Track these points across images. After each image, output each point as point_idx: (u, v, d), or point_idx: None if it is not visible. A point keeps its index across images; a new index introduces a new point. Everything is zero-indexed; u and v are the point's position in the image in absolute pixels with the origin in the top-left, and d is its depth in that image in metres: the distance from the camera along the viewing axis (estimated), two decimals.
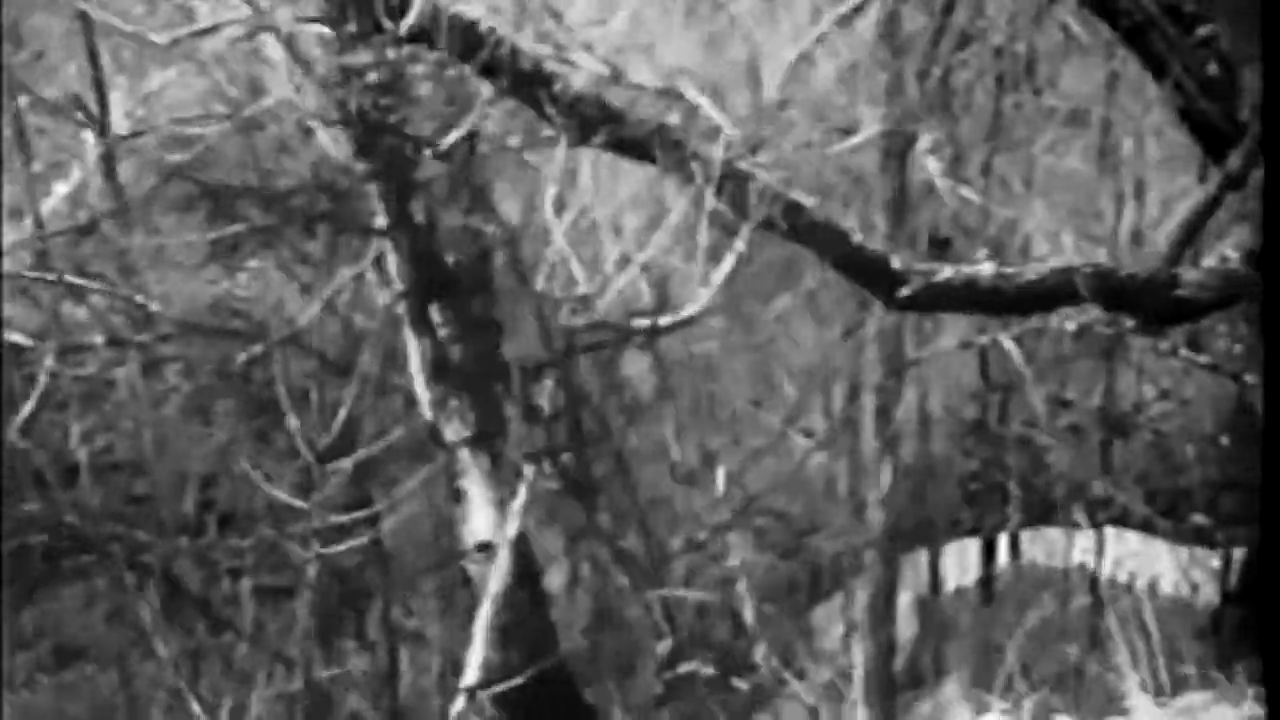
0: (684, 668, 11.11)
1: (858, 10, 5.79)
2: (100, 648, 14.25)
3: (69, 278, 11.97)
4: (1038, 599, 20.75)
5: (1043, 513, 22.19)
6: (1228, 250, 7.11)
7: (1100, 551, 20.40)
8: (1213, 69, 8.15)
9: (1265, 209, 7.58)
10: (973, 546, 20.39)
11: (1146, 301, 6.22)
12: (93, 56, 14.00)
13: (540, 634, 9.86)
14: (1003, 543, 19.69)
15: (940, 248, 22.64)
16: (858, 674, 15.88)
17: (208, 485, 14.48)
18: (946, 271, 5.86)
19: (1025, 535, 21.19)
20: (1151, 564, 21.20)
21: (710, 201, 5.27)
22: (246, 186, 12.86)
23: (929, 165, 10.63)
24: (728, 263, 5.25)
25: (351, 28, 5.99)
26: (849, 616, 19.33)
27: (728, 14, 12.13)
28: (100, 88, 13.99)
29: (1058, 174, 19.32)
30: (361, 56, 6.08)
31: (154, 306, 12.66)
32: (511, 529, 7.40)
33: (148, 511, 13.62)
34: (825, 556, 20.73)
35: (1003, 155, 18.62)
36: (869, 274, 5.92)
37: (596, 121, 5.33)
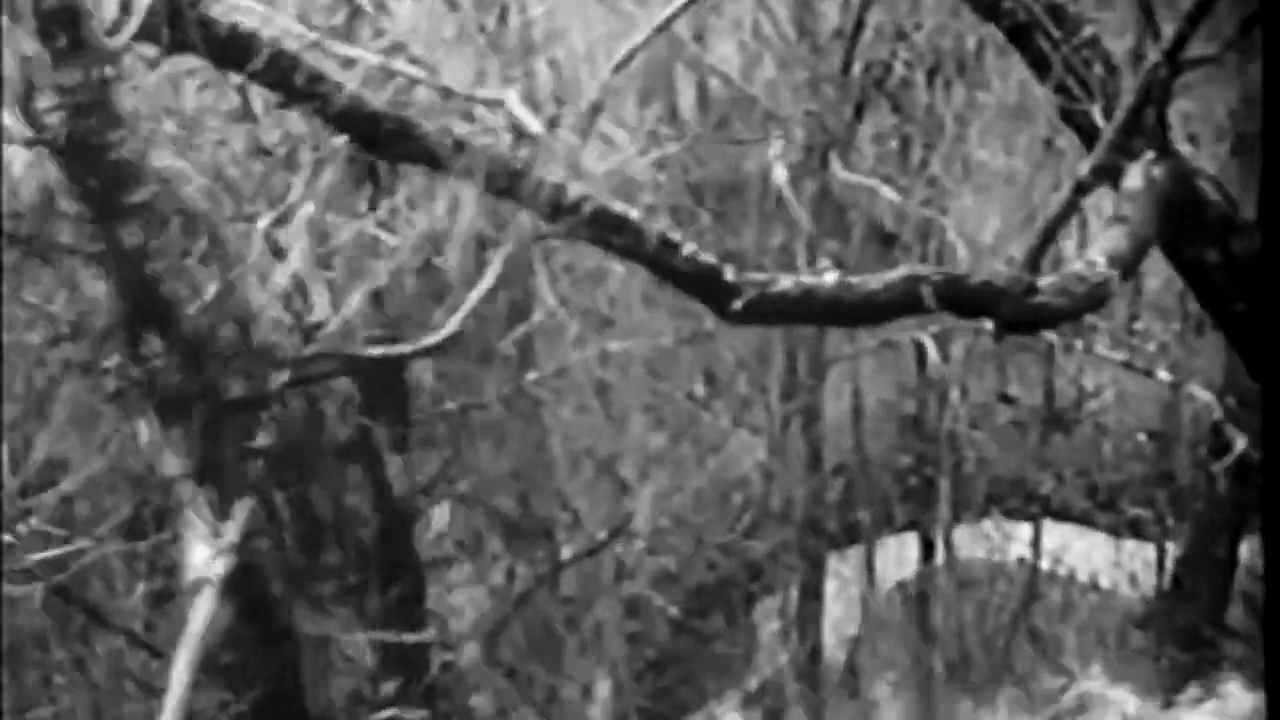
0: (387, 713, 10.75)
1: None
2: None
3: None
4: (976, 594, 20.83)
5: (982, 507, 22.25)
6: (1095, 254, 7.08)
7: (1038, 545, 20.45)
8: (1097, 70, 8.14)
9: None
10: (911, 542, 20.39)
11: (1003, 309, 6.17)
12: None
13: (271, 674, 9.54)
14: (941, 538, 19.69)
15: (886, 244, 22.71)
16: (787, 672, 15.93)
17: None
18: (784, 282, 5.78)
19: (963, 530, 21.21)
20: (1090, 557, 21.27)
21: (471, 218, 5.13)
22: None
23: (776, 171, 10.58)
24: (484, 282, 5.08)
25: (61, 43, 5.80)
26: (786, 615, 19.40)
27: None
28: None
29: (993, 170, 19.34)
30: (69, 75, 5.89)
31: None
32: (221, 565, 7.19)
33: None
34: (761, 556, 20.72)
35: (939, 151, 18.62)
36: (700, 286, 5.83)
37: (381, 132, 5.15)
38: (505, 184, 5.19)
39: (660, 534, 21.94)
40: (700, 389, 21.81)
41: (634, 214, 5.57)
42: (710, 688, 20.83)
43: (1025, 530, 20.92)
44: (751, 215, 20.70)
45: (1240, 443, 12.64)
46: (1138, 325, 18.28)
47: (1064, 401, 23.15)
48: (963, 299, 6.06)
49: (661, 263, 5.69)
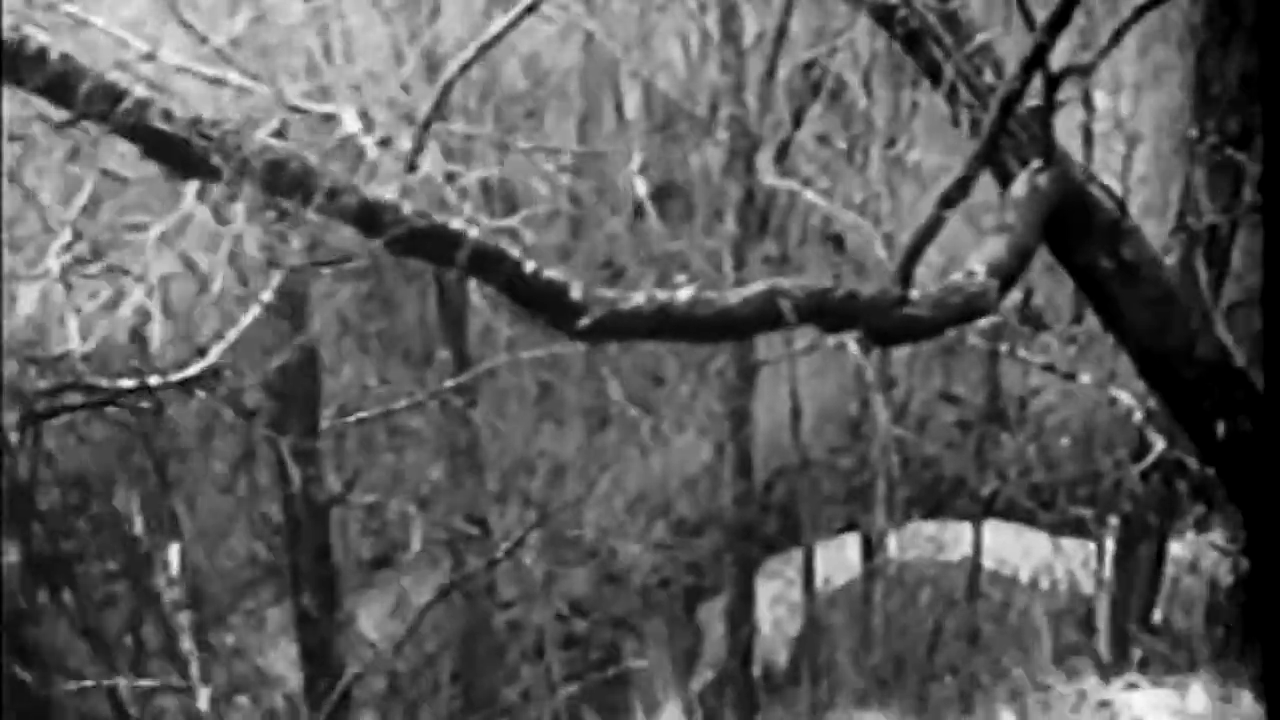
0: None
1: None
2: None
3: None
4: (918, 594, 20.88)
5: (925, 507, 22.30)
6: (975, 264, 7.07)
7: (979, 545, 20.48)
8: (988, 77, 8.14)
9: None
10: (853, 543, 20.42)
11: (871, 321, 6.15)
12: None
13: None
14: (878, 540, 19.72)
15: (836, 245, 22.74)
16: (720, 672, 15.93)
17: None
18: (636, 298, 5.72)
19: (907, 530, 21.25)
20: (1033, 557, 21.32)
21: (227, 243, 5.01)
22: None
23: (635, 185, 10.53)
24: (250, 314, 4.99)
25: None
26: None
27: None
28: None
29: (928, 170, 19.38)
30: None
31: None
32: None
33: None
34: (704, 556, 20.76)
35: (875, 153, 18.63)
36: (544, 304, 5.76)
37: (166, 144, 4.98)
38: (325, 200, 5.11)
39: (604, 536, 21.93)
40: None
41: (473, 231, 5.50)
42: (654, 689, 20.84)
43: (969, 530, 20.97)
44: (697, 216, 20.74)
45: (1159, 445, 12.67)
46: (1079, 328, 18.32)
47: (1008, 400, 23.23)
48: (827, 312, 6.03)
49: (502, 280, 5.63)
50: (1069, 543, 20.77)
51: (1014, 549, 21.29)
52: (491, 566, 14.12)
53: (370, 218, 5.26)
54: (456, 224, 5.47)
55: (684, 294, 5.64)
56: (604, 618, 21.08)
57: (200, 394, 9.51)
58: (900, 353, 23.50)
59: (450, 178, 5.88)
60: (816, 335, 16.49)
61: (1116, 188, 22.49)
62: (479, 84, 16.17)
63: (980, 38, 8.07)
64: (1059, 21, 5.92)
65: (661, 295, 5.67)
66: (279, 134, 5.09)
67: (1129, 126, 19.65)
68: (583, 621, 20.39)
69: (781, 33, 13.22)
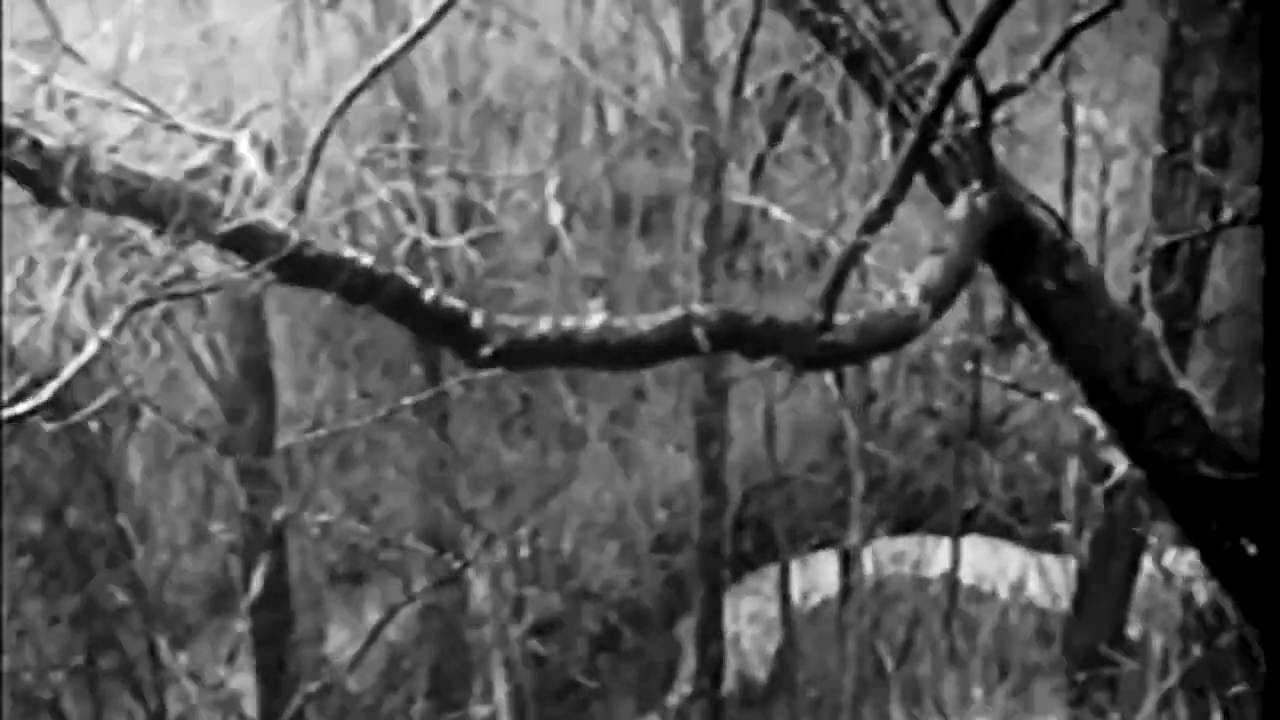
0: None
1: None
2: None
3: None
4: (898, 610, 20.82)
5: (904, 523, 22.26)
6: (908, 288, 7.04)
7: (957, 561, 20.44)
8: (931, 97, 8.12)
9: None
10: (832, 559, 20.38)
11: (792, 348, 6.10)
12: None
13: None
14: (856, 555, 19.68)
15: (812, 264, 22.74)
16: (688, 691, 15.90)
17: None
18: (542, 326, 5.65)
19: (886, 546, 21.22)
20: (1013, 572, 21.28)
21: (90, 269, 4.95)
22: None
23: (551, 210, 10.51)
24: (88, 349, 4.92)
25: None
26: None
27: None
28: None
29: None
30: None
31: None
32: None
33: None
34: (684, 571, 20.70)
35: (850, 170, 18.60)
36: (444, 333, 5.69)
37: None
38: (196, 227, 5.05)
39: (581, 549, 21.90)
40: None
41: (365, 259, 5.45)
42: (632, 705, 20.80)
43: (948, 545, 20.92)
44: (677, 231, 20.72)
45: (1121, 466, 12.60)
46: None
47: (989, 416, 23.21)
48: (745, 339, 5.98)
49: (399, 309, 5.57)
50: (1049, 559, 20.75)
51: (992, 564, 21.26)
52: (439, 586, 14.04)
53: (250, 245, 5.21)
54: (348, 251, 5.42)
55: (593, 321, 5.57)
56: (578, 634, 21.03)
57: (150, 414, 9.49)
58: (881, 366, 23.53)
59: (348, 204, 5.84)
60: None
61: (1094, 202, 22.61)
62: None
63: (922, 58, 8.04)
64: (975, 46, 5.89)
65: (568, 323, 5.61)
66: (152, 157, 5.05)
67: (1107, 141, 19.66)
68: (555, 639, 20.35)
69: (746, 49, 13.19)
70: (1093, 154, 22.08)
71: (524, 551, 20.36)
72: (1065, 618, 18.69)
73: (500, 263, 19.67)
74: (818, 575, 20.59)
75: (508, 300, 17.45)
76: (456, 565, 14.52)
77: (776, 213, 13.36)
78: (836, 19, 8.29)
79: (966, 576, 21.09)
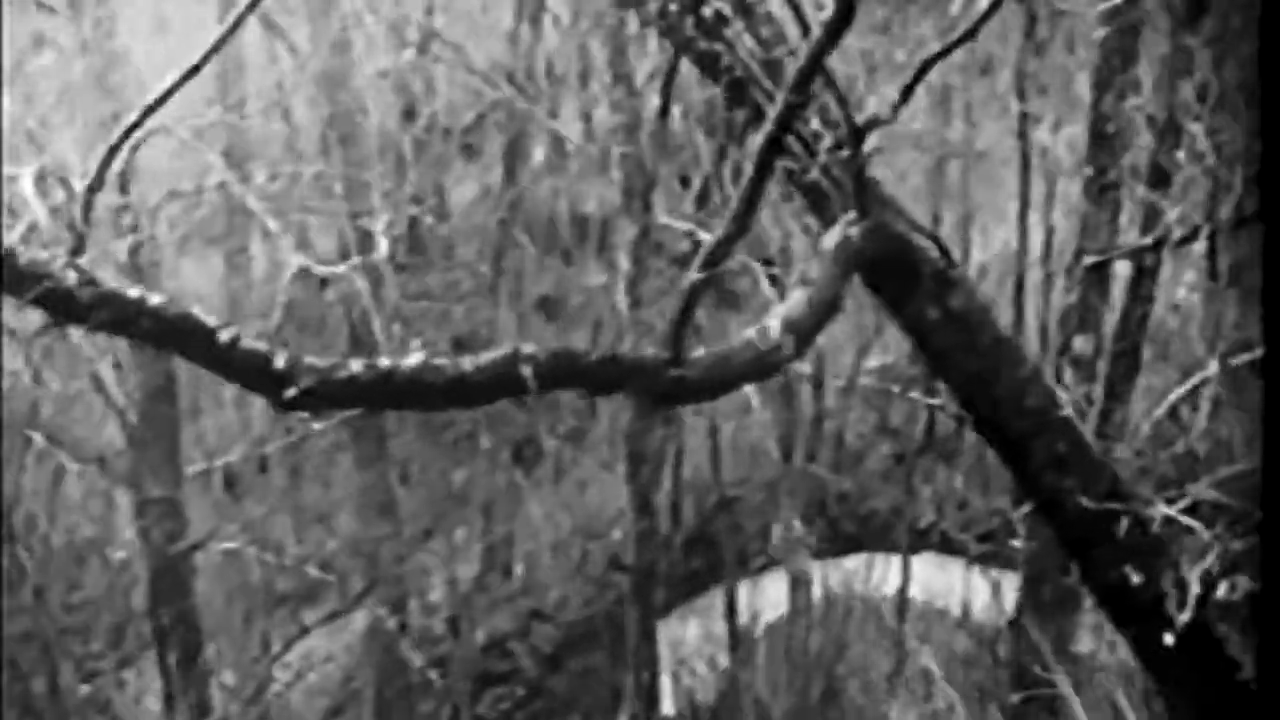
0: None
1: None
2: None
3: None
4: (848, 629, 20.74)
5: (856, 542, 22.20)
6: (771, 320, 6.99)
7: (906, 579, 20.40)
8: (814, 125, 8.07)
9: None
10: (781, 579, 20.30)
11: (638, 384, 6.02)
12: None
13: None
14: (806, 575, 19.60)
15: (769, 264, 22.64)
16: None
17: None
18: (353, 366, 5.53)
19: (838, 565, 21.15)
20: (964, 591, 21.20)
21: None
22: None
23: (379, 244, 10.43)
24: None
25: None
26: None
27: None
28: None
29: None
30: None
31: None
32: None
33: None
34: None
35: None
36: (247, 375, 5.57)
37: None
38: None
39: (532, 572, 21.81)
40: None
41: (154, 299, 5.32)
42: None
43: (899, 563, 20.86)
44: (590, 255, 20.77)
45: None
46: None
47: (945, 431, 23.18)
48: (582, 377, 5.89)
49: (196, 351, 5.46)
50: (1009, 577, 20.68)
51: (943, 582, 21.20)
52: (330, 619, 13.89)
53: (17, 283, 5.09)
54: (134, 291, 5.28)
55: (411, 361, 5.46)
56: (531, 654, 20.94)
57: (40, 440, 9.43)
58: (837, 384, 23.47)
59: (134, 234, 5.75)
60: None
61: (1041, 221, 22.51)
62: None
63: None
64: (805, 79, 5.83)
65: (384, 363, 5.50)
66: None
67: (1049, 160, 19.67)
68: (506, 659, 20.27)
69: (672, 71, 13.13)
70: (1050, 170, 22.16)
71: (471, 572, 20.31)
72: (1004, 637, 18.62)
73: (446, 284, 19.62)
74: (769, 595, 20.51)
75: (446, 322, 17.40)
76: (350, 600, 14.40)
77: (704, 236, 13.25)
78: (718, 46, 8.26)
79: (919, 594, 21.06)
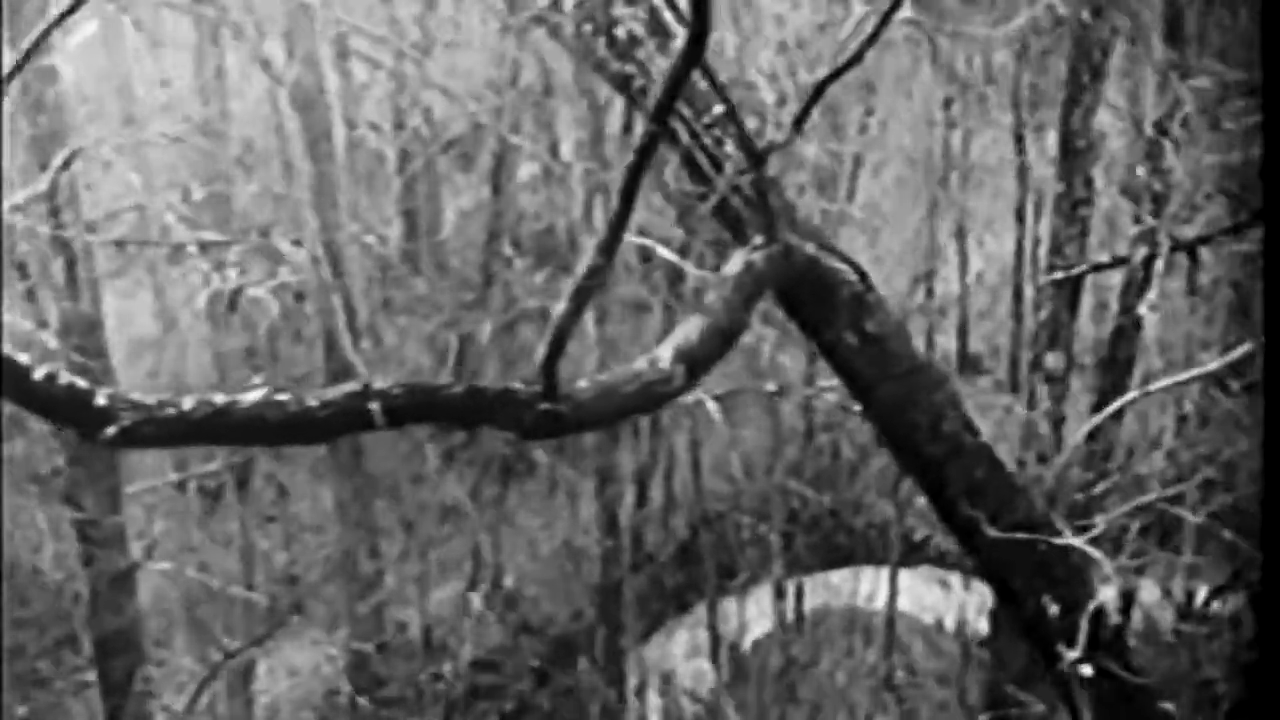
0: None
1: None
2: None
3: None
4: (837, 642, 20.60)
5: (845, 555, 22.03)
6: (663, 350, 6.88)
7: (894, 591, 20.22)
8: (728, 148, 7.99)
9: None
10: (768, 593, 20.18)
11: (505, 417, 5.91)
12: None
13: None
14: (805, 587, 19.53)
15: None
16: None
17: None
18: (184, 403, 5.42)
19: (827, 578, 21.02)
20: (955, 603, 21.02)
21: None
22: None
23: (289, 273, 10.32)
24: None
25: None
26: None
27: None
28: None
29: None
30: None
31: None
32: None
33: None
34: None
35: None
36: (64, 412, 5.44)
37: None
38: None
39: (521, 586, 21.74)
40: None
41: None
42: None
43: (886, 577, 20.70)
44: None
45: None
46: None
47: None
48: (440, 411, 5.78)
49: (8, 388, 5.32)
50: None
51: (934, 596, 21.02)
52: (255, 644, 13.77)
53: None
54: None
55: (251, 396, 5.37)
56: (518, 668, 20.86)
57: None
58: (831, 396, 23.30)
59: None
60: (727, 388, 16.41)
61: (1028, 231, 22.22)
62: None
63: (718, 109, 7.90)
64: (665, 107, 5.72)
65: (219, 399, 5.40)
66: None
67: (1035, 172, 19.51)
68: (494, 672, 20.19)
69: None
70: (1040, 183, 21.98)
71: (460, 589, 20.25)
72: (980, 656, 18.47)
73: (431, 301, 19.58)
74: (756, 610, 20.38)
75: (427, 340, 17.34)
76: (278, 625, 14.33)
77: (663, 252, 13.17)
78: (630, 68, 8.18)
79: (910, 609, 20.87)
